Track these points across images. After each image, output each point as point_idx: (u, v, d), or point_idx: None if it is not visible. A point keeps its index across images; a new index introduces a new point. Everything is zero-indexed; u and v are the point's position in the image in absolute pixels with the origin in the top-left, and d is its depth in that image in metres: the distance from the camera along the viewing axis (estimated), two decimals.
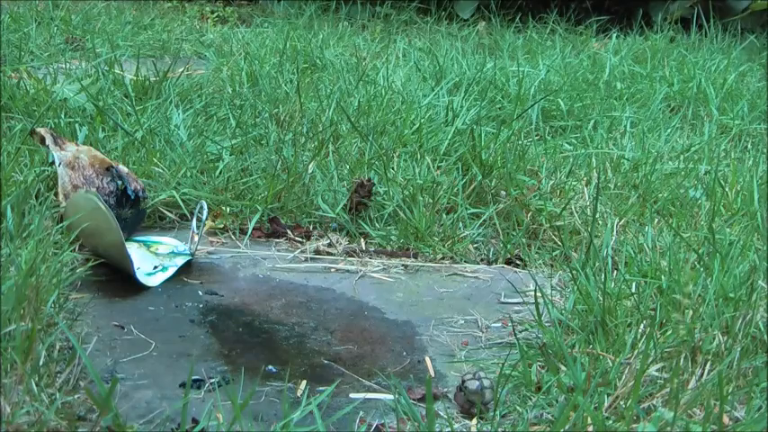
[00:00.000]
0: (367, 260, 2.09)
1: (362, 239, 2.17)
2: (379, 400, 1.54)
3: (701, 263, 1.86)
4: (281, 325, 1.79)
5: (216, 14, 4.68)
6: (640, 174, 2.47)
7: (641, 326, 1.63)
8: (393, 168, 2.35)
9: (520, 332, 1.76)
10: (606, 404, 1.44)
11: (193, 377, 1.54)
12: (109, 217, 1.83)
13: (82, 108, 2.59)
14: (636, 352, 1.56)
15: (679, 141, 2.89)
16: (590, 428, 1.36)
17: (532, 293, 1.79)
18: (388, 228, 2.20)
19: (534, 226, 2.23)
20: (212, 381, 1.54)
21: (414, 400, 1.53)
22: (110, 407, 1.30)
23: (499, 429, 1.44)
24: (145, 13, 4.40)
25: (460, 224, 2.21)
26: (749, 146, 2.92)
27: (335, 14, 4.67)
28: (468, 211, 2.26)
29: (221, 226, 2.17)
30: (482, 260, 2.15)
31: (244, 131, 2.55)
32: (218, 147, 2.43)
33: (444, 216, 2.22)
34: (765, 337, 1.58)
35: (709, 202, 2.27)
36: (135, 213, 2.11)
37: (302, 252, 2.10)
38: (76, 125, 2.44)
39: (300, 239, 2.15)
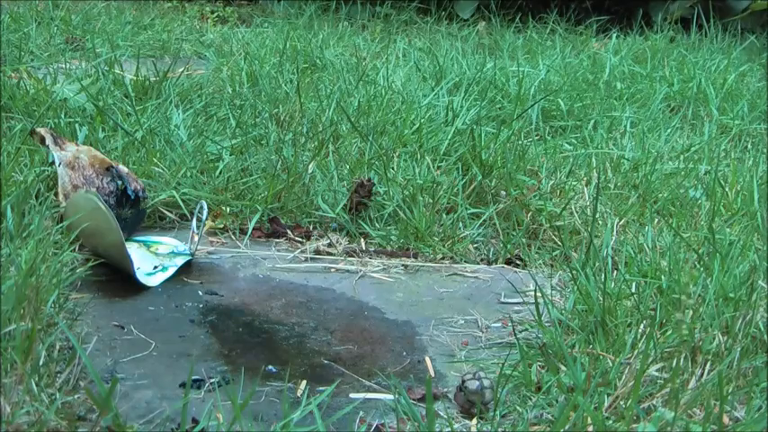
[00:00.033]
0: (367, 260, 2.09)
1: (362, 239, 2.18)
2: (379, 400, 1.54)
3: (701, 263, 1.86)
4: (281, 325, 1.79)
5: (216, 14, 4.68)
6: (640, 174, 2.47)
7: (641, 326, 1.63)
8: (393, 168, 2.35)
9: (520, 332, 1.76)
10: (606, 404, 1.44)
11: (193, 377, 1.54)
12: (109, 217, 1.83)
13: (82, 108, 2.59)
14: (636, 352, 1.56)
15: (679, 141, 2.89)
16: (590, 428, 1.36)
17: (532, 293, 1.79)
18: (388, 228, 2.20)
19: (534, 226, 2.23)
20: (212, 381, 1.54)
21: (414, 400, 1.53)
22: (110, 407, 1.30)
23: (499, 429, 1.44)
24: (145, 13, 4.40)
25: (460, 224, 2.21)
26: (749, 146, 2.92)
27: (335, 14, 4.67)
28: (468, 211, 2.26)
29: (221, 226, 2.17)
30: (482, 260, 2.15)
31: (244, 131, 2.55)
32: (218, 147, 2.43)
33: (444, 216, 2.22)
34: (765, 337, 1.58)
35: (709, 202, 2.28)
36: (135, 213, 2.11)
37: (302, 252, 2.10)
38: (76, 125, 2.44)
39: (300, 239, 2.15)
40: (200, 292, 1.89)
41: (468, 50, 3.86)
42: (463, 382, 1.52)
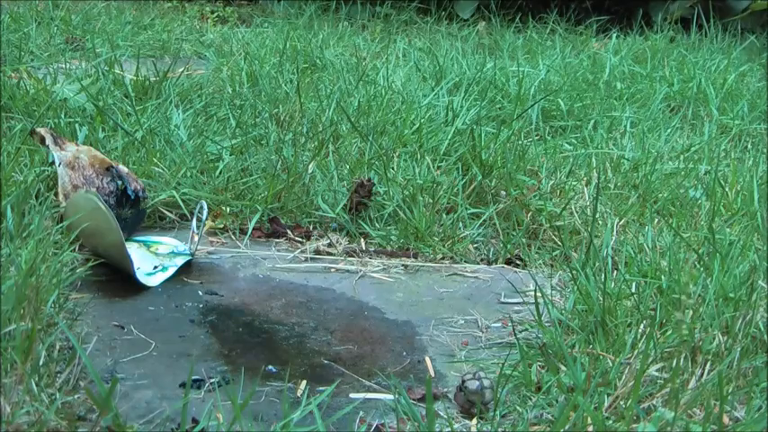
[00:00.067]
0: (367, 260, 2.09)
1: (362, 239, 2.17)
2: (379, 400, 1.54)
3: (701, 263, 1.86)
4: (281, 325, 1.79)
5: (216, 14, 4.68)
6: (640, 174, 2.47)
7: (641, 326, 1.63)
8: (393, 168, 2.35)
9: (520, 332, 1.76)
10: (606, 404, 1.44)
11: (193, 377, 1.54)
12: (109, 217, 1.83)
13: (82, 108, 2.59)
14: (636, 352, 1.56)
15: (679, 141, 2.89)
16: (590, 428, 1.36)
17: (532, 293, 1.79)
18: (388, 228, 2.20)
19: (534, 226, 2.23)
20: (212, 381, 1.54)
21: (414, 400, 1.53)
22: (110, 407, 1.30)
23: (499, 429, 1.44)
24: (145, 13, 4.40)
25: (460, 224, 2.21)
26: (749, 146, 2.92)
27: (335, 14, 4.67)
28: (468, 211, 2.26)
29: (221, 226, 2.17)
30: (482, 260, 2.15)
31: (244, 131, 2.55)
32: (218, 147, 2.43)
33: (444, 216, 2.22)
34: (765, 337, 1.58)
35: (709, 202, 2.28)
36: (135, 213, 2.11)
37: (302, 252, 2.10)
38: (76, 125, 2.44)
39: (300, 239, 2.15)
40: (200, 292, 1.89)
41: (468, 50, 3.86)
42: (463, 382, 1.52)
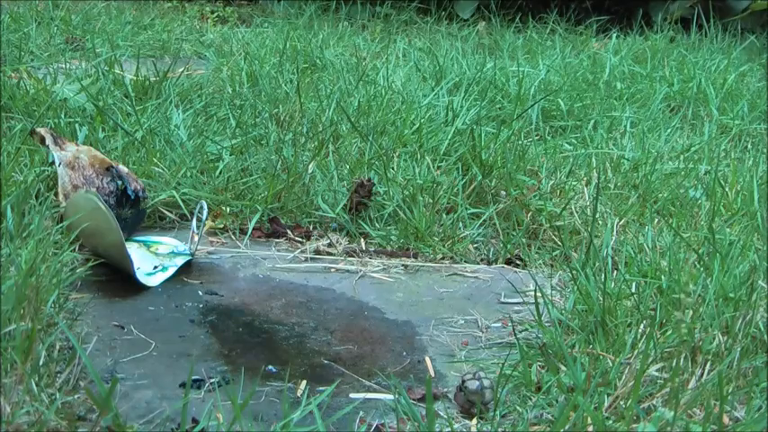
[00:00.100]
0: (367, 260, 2.09)
1: (362, 239, 2.17)
2: (379, 400, 1.54)
3: (701, 263, 1.86)
4: (281, 325, 1.79)
5: (216, 14, 4.68)
6: (640, 174, 2.47)
7: (641, 326, 1.63)
8: (393, 168, 2.35)
9: (520, 332, 1.76)
10: (606, 404, 1.44)
11: (193, 377, 1.54)
12: (109, 217, 1.83)
13: (82, 108, 2.59)
14: (636, 352, 1.56)
15: (679, 141, 2.89)
16: (590, 428, 1.36)
17: (532, 293, 1.79)
18: (388, 228, 2.20)
19: (534, 226, 2.23)
20: (212, 381, 1.54)
21: (414, 400, 1.53)
22: (110, 407, 1.30)
23: (499, 429, 1.44)
24: (145, 13, 4.40)
25: (460, 224, 2.21)
26: (749, 146, 2.92)
27: (335, 14, 4.67)
28: (468, 211, 2.26)
29: (221, 226, 2.17)
30: (482, 260, 2.15)
31: (244, 131, 2.55)
32: (218, 147, 2.43)
33: (444, 216, 2.22)
34: (765, 337, 1.58)
35: (709, 202, 2.28)
36: (135, 213, 2.11)
37: (302, 252, 2.10)
38: (76, 125, 2.44)
39: (300, 239, 2.15)
40: (200, 292, 1.89)
41: (468, 50, 3.86)
42: (463, 382, 1.52)
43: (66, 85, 2.69)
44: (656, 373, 1.51)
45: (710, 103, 3.28)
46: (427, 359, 1.70)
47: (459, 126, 2.58)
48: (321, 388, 1.55)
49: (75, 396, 1.41)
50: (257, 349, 1.69)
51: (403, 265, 2.08)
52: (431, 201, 2.23)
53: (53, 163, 2.11)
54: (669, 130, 2.96)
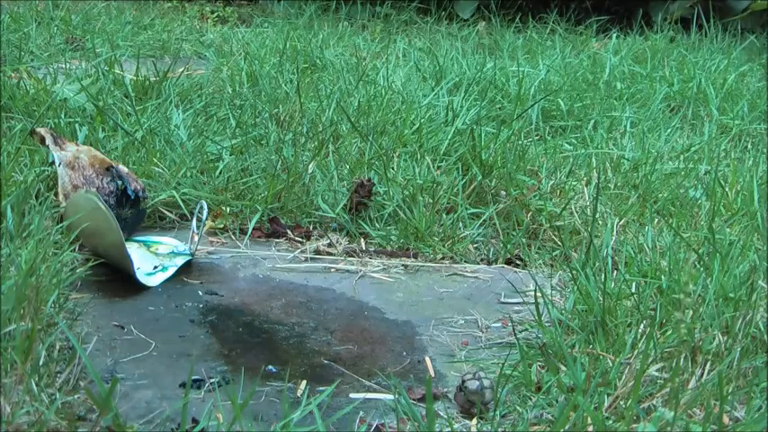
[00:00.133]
0: (367, 260, 2.09)
1: (362, 239, 2.17)
2: (379, 400, 1.54)
3: (701, 263, 1.86)
4: (281, 325, 1.79)
5: (216, 14, 4.68)
6: (640, 174, 2.47)
7: (641, 326, 1.63)
8: (393, 168, 2.35)
9: (520, 332, 1.76)
10: (606, 404, 1.44)
11: (193, 377, 1.54)
12: (109, 217, 1.83)
13: (82, 108, 2.59)
14: (636, 352, 1.56)
15: (679, 141, 2.89)
16: (590, 428, 1.36)
17: (532, 293, 1.79)
18: (388, 228, 2.20)
19: (534, 226, 2.23)
20: (212, 381, 1.54)
21: (414, 400, 1.53)
22: (110, 407, 1.30)
23: (499, 429, 1.44)
24: (145, 13, 4.40)
25: (460, 224, 2.21)
26: (749, 146, 2.92)
27: (335, 14, 4.67)
28: (468, 211, 2.26)
29: (221, 226, 2.17)
30: (482, 260, 2.15)
31: (244, 131, 2.55)
32: (218, 147, 2.43)
33: (444, 216, 2.22)
34: (765, 337, 1.58)
35: (709, 202, 2.28)
36: (135, 213, 2.11)
37: (302, 252, 2.10)
38: (76, 125, 2.44)
39: (300, 239, 2.15)
40: (200, 292, 1.89)
41: (468, 50, 3.86)
42: (463, 382, 1.52)
43: (66, 85, 2.69)
44: (656, 373, 1.51)
45: (710, 103, 3.28)
46: (427, 359, 1.70)
47: (459, 126, 2.58)
48: (321, 388, 1.55)
49: (75, 396, 1.41)
50: (257, 349, 1.69)
51: (403, 265, 2.08)
52: (431, 201, 2.23)
53: (53, 163, 2.11)
54: (669, 130, 2.96)
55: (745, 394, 1.47)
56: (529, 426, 1.44)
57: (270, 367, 1.62)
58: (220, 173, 2.31)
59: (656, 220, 2.22)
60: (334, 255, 2.10)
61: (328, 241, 2.13)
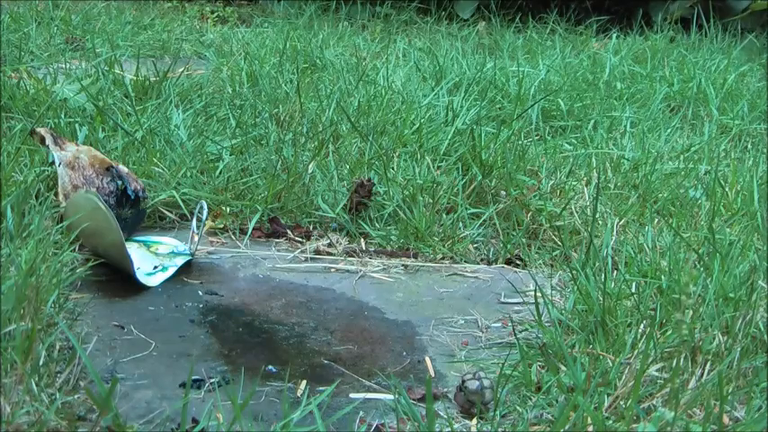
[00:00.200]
0: (367, 260, 2.09)
1: (362, 239, 2.18)
2: (379, 400, 1.54)
3: (701, 263, 1.86)
4: (281, 325, 1.79)
5: (216, 14, 4.68)
6: (640, 174, 2.47)
7: (641, 326, 1.63)
8: (393, 168, 2.35)
9: (520, 332, 1.76)
10: (606, 404, 1.44)
11: (193, 377, 1.54)
12: (109, 217, 1.83)
13: (82, 108, 2.59)
14: (636, 352, 1.56)
15: (679, 141, 2.89)
16: (590, 428, 1.36)
17: (532, 293, 1.79)
18: (388, 228, 2.20)
19: (534, 226, 2.23)
20: (212, 381, 1.54)
21: (414, 400, 1.53)
22: (110, 407, 1.30)
23: (499, 429, 1.44)
24: (145, 13, 4.40)
25: (460, 224, 2.21)
26: (749, 146, 2.92)
27: (335, 14, 4.68)
28: (468, 211, 2.26)
29: (221, 226, 2.17)
30: (482, 260, 2.15)
31: (244, 131, 2.55)
32: (218, 147, 2.43)
33: (444, 216, 2.22)
34: (765, 337, 1.58)
35: (709, 202, 2.28)
36: (135, 213, 2.11)
37: (302, 252, 2.10)
38: (76, 125, 2.44)
39: (300, 239, 2.15)
40: (200, 292, 1.89)
41: (468, 50, 3.86)
42: (463, 382, 1.52)
43: (66, 85, 2.69)
44: (656, 373, 1.51)
45: (710, 103, 3.28)
46: (427, 359, 1.70)
47: (459, 126, 2.58)
48: (321, 388, 1.55)
49: (75, 396, 1.41)
50: (257, 349, 1.69)
51: (403, 265, 2.08)
52: (431, 201, 2.23)
53: (53, 163, 2.11)
54: (669, 130, 2.96)
55: (745, 394, 1.47)
56: (529, 426, 1.44)
57: (270, 367, 1.62)
58: (220, 173, 2.31)
59: (656, 220, 2.22)
60: (334, 255, 2.10)
61: (328, 241, 2.13)
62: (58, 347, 1.51)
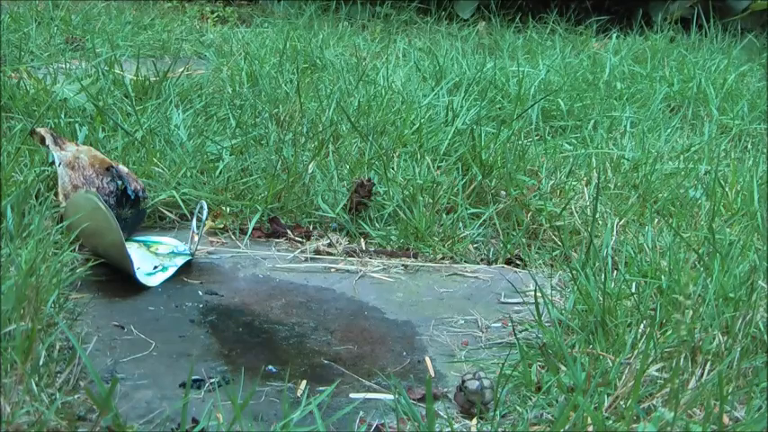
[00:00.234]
0: (367, 260, 2.09)
1: (362, 239, 2.17)
2: (379, 400, 1.54)
3: (701, 263, 1.86)
4: (281, 325, 1.79)
5: (216, 14, 4.68)
6: (640, 174, 2.47)
7: (641, 326, 1.63)
8: (393, 168, 2.35)
9: (520, 332, 1.76)
10: (606, 404, 1.44)
11: (193, 377, 1.54)
12: (109, 217, 1.83)
13: (82, 108, 2.59)
14: (636, 352, 1.56)
15: (679, 141, 2.89)
16: (590, 428, 1.36)
17: (532, 293, 1.79)
18: (388, 228, 2.20)
19: (534, 226, 2.23)
20: (212, 381, 1.54)
21: (414, 400, 1.53)
22: (110, 407, 1.30)
23: (499, 429, 1.44)
24: (145, 13, 4.40)
25: (460, 224, 2.21)
26: (749, 146, 2.92)
27: (335, 14, 4.68)
28: (468, 211, 2.26)
29: (221, 226, 2.17)
30: (482, 260, 2.15)
31: (244, 131, 2.55)
32: (218, 147, 2.43)
33: (444, 216, 2.22)
34: (765, 337, 1.58)
35: (709, 202, 2.28)
36: (135, 213, 2.11)
37: (302, 252, 2.10)
38: (76, 125, 2.44)
39: (300, 239, 2.15)
40: (200, 292, 1.89)
41: (468, 50, 3.86)
42: (463, 382, 1.52)
43: (66, 85, 2.69)
44: (656, 373, 1.51)
45: (710, 103, 3.28)
46: (427, 359, 1.70)
47: (459, 126, 2.58)
48: (321, 388, 1.55)
49: (75, 396, 1.41)
50: (257, 349, 1.69)
51: (403, 265, 2.08)
52: (431, 201, 2.23)
53: (53, 163, 2.11)
54: (669, 130, 2.96)
55: (745, 394, 1.47)
56: (529, 426, 1.44)
57: (270, 367, 1.62)
58: (220, 173, 2.31)
59: (656, 220, 2.22)
60: (334, 255, 2.10)
61: (328, 241, 2.13)
62: (58, 347, 1.51)
